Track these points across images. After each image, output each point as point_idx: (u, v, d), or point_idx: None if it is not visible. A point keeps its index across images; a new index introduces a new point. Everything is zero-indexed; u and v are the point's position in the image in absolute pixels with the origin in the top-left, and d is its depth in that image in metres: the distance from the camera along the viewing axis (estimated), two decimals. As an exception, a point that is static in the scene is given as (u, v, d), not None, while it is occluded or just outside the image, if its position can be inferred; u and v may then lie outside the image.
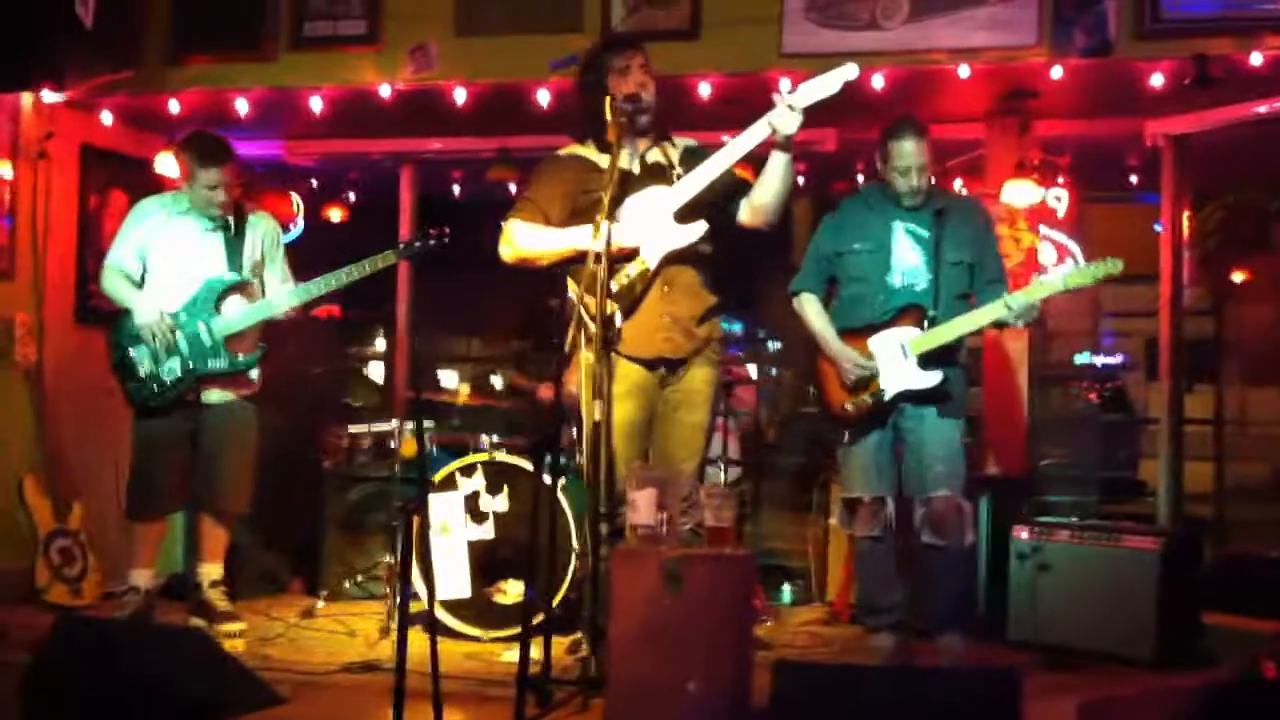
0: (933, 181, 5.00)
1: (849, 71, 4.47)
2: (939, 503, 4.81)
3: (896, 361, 4.85)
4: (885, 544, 4.94)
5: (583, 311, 4.47)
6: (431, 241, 5.33)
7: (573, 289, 4.58)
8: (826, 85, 4.48)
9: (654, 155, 4.75)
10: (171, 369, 5.38)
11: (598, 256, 4.34)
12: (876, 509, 4.90)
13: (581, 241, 4.54)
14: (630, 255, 4.59)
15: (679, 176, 4.65)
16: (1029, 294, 4.77)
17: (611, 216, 4.38)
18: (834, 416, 5.01)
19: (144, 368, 5.40)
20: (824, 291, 5.12)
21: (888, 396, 4.87)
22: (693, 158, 4.70)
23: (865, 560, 5.09)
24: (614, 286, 4.57)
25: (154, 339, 5.34)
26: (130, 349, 5.41)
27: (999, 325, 4.94)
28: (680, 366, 4.73)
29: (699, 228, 4.60)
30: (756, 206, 4.70)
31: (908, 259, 4.93)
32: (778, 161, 4.60)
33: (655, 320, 4.65)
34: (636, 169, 4.71)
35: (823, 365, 5.02)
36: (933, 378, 4.82)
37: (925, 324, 4.82)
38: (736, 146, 4.54)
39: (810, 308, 5.06)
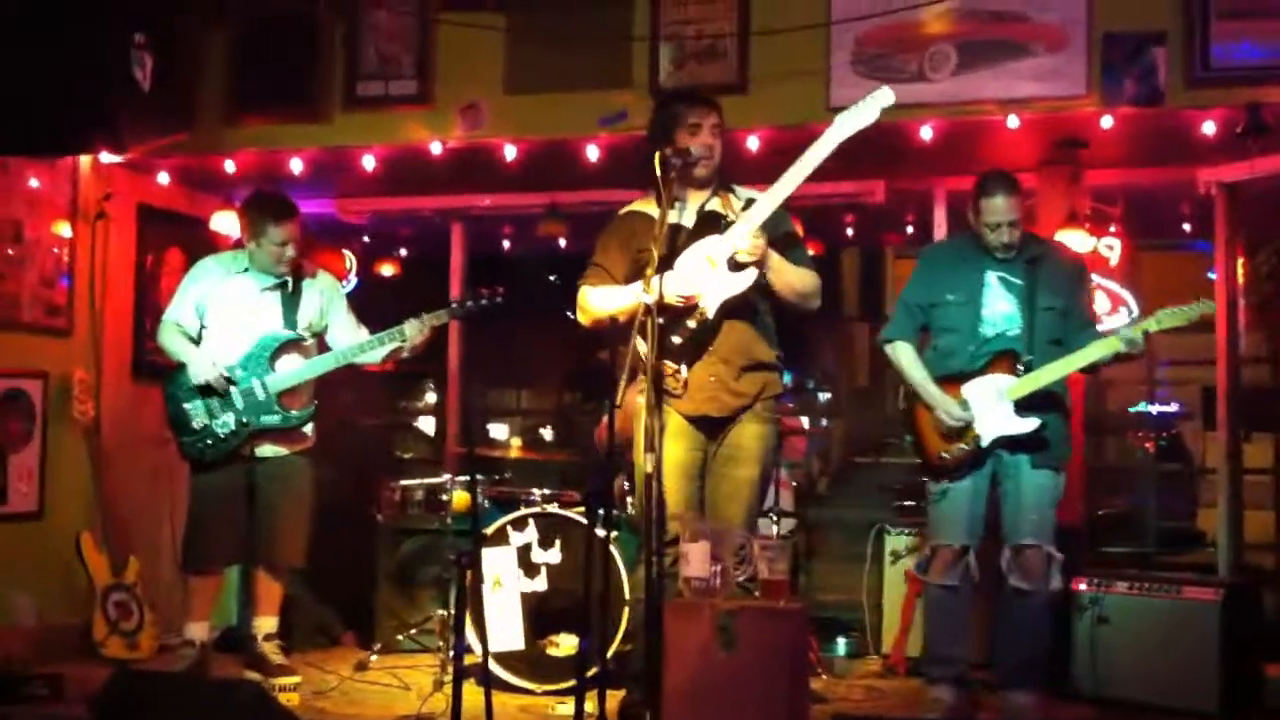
0: (1025, 231, 5.00)
1: (884, 97, 4.42)
2: (1028, 552, 4.82)
3: (992, 408, 4.83)
4: (960, 594, 4.91)
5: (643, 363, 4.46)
6: (484, 301, 5.38)
7: (639, 343, 4.44)
8: (864, 115, 4.44)
9: (712, 206, 4.75)
10: (225, 423, 5.43)
11: (648, 309, 4.34)
12: (957, 558, 4.88)
13: (644, 297, 4.56)
14: (692, 308, 4.58)
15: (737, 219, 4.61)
16: (1134, 331, 4.79)
17: (662, 271, 4.38)
18: (930, 465, 4.99)
19: (198, 421, 5.45)
20: (917, 340, 5.10)
21: (985, 443, 4.85)
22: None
23: (937, 609, 5.05)
24: (677, 340, 4.57)
25: (210, 389, 5.39)
26: (185, 403, 5.47)
27: (1092, 369, 4.93)
28: (727, 424, 4.71)
29: (750, 274, 4.56)
30: (778, 290, 4.70)
31: (999, 307, 4.92)
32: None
33: (701, 379, 4.64)
34: (691, 222, 4.71)
35: (920, 413, 5.00)
36: (1030, 423, 4.81)
37: (1020, 369, 4.81)
38: (786, 182, 4.50)
39: (905, 357, 5.04)
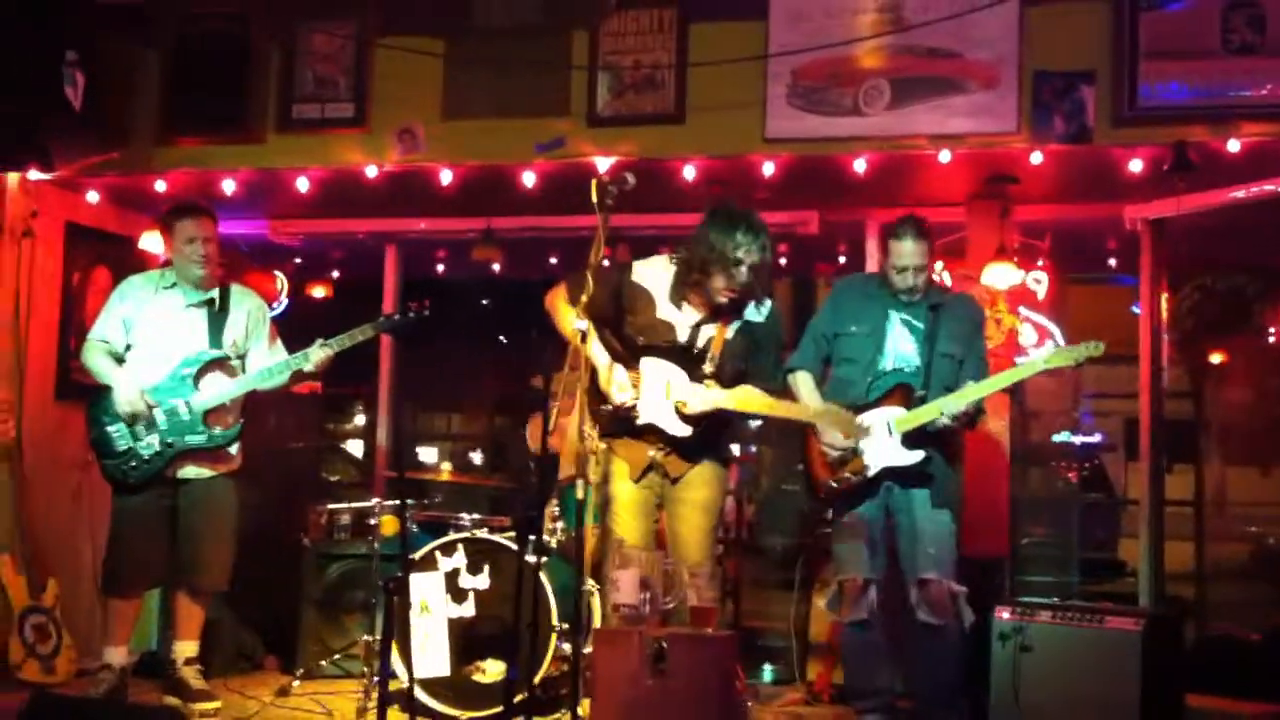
0: (930, 278, 5.09)
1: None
2: (931, 586, 4.88)
3: (881, 439, 4.89)
4: (871, 629, 4.97)
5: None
6: (411, 315, 5.34)
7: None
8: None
9: (707, 331, 4.86)
10: (149, 444, 5.36)
11: (583, 336, 4.40)
12: (863, 592, 4.92)
13: (594, 356, 4.74)
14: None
15: (709, 370, 4.78)
16: (1018, 373, 4.97)
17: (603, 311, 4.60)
18: (819, 493, 5.05)
19: (122, 444, 5.37)
20: (820, 371, 5.18)
21: (871, 473, 4.92)
22: (743, 336, 4.86)
23: (851, 645, 5.12)
24: (605, 408, 4.81)
25: (133, 417, 5.32)
26: (109, 425, 5.39)
27: (971, 418, 4.99)
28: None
29: (687, 430, 4.77)
30: None
31: (901, 346, 5.02)
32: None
33: (639, 455, 4.86)
34: (686, 334, 4.85)
35: (812, 441, 5.06)
36: (915, 455, 4.88)
37: (913, 403, 4.86)
38: (760, 400, 4.77)
39: (804, 385, 5.12)
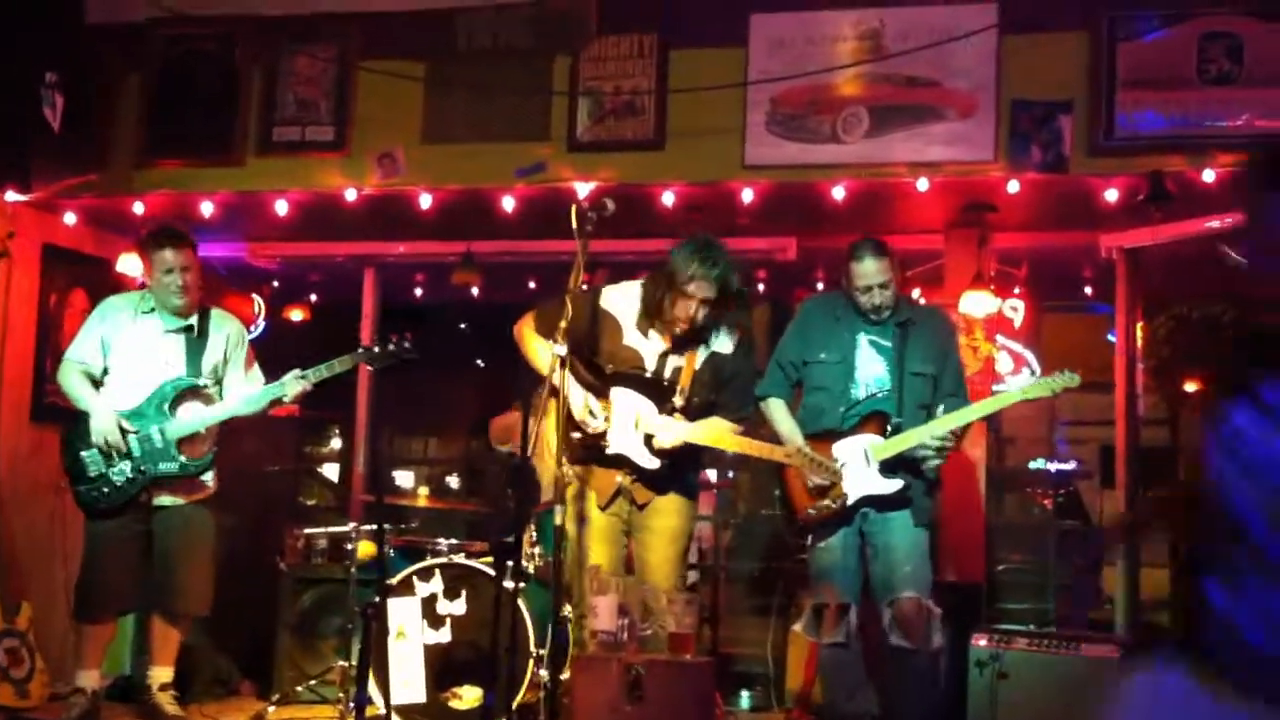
0: (898, 294, 5.07)
1: None
2: (906, 604, 4.84)
3: (859, 467, 4.89)
4: (850, 651, 4.95)
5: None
6: (391, 346, 5.30)
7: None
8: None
9: (674, 361, 4.86)
10: (121, 471, 5.31)
11: (562, 361, 4.40)
12: (841, 615, 4.92)
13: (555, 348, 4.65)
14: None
15: (678, 403, 4.80)
16: (997, 403, 5.02)
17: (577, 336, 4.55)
18: (798, 520, 5.04)
19: (94, 470, 5.33)
20: (791, 395, 5.17)
21: (850, 501, 4.91)
22: (712, 367, 4.85)
23: (829, 668, 5.10)
24: (575, 435, 4.78)
25: (106, 445, 5.28)
26: (82, 451, 5.34)
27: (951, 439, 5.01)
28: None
29: (655, 463, 4.79)
30: None
31: (871, 369, 5.00)
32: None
33: (606, 482, 4.86)
34: (653, 363, 4.85)
35: (789, 469, 5.06)
36: (894, 484, 4.88)
37: (888, 431, 4.87)
38: (717, 436, 4.82)
39: (778, 412, 5.11)
